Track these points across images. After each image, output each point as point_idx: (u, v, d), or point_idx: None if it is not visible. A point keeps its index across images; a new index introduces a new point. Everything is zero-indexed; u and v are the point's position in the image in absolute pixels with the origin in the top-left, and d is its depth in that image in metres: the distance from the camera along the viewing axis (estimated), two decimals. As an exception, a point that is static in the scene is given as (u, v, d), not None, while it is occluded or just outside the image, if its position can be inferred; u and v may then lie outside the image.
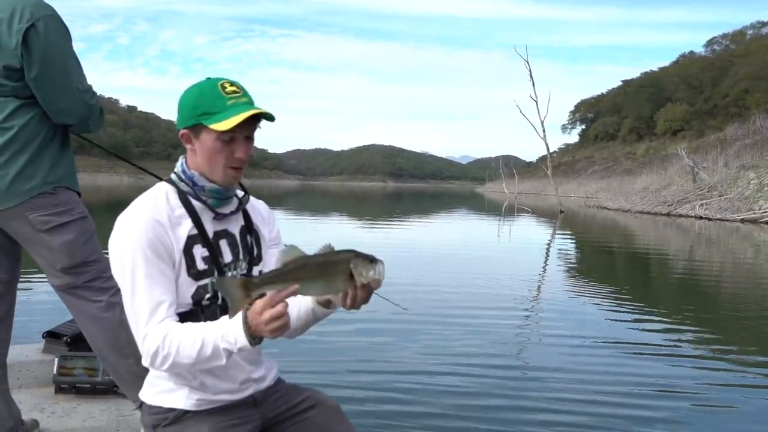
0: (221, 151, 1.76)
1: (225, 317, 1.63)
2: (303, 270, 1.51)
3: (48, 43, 2.39)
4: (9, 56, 2.37)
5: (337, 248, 1.55)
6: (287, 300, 1.54)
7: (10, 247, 2.62)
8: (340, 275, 1.52)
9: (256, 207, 2.01)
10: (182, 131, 1.79)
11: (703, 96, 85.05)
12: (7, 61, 2.37)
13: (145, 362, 1.70)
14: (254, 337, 1.58)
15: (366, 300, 1.61)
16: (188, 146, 1.81)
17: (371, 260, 1.53)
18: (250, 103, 1.77)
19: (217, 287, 1.74)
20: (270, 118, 1.77)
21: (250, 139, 1.80)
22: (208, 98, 1.74)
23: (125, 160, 3.62)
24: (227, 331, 1.60)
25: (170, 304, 1.71)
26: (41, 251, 2.54)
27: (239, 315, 1.58)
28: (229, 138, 1.75)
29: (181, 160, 1.86)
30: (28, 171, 2.45)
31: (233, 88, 1.77)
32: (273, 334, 1.55)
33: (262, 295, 1.55)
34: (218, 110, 1.72)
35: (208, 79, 1.81)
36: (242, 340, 1.58)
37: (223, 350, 1.61)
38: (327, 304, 1.79)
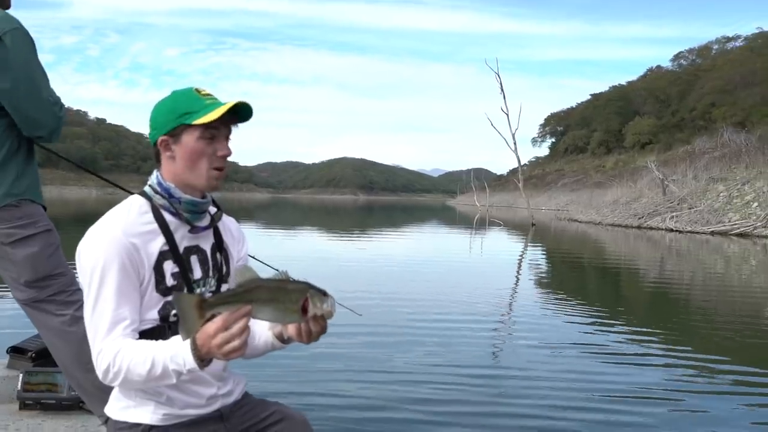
0: (204, 150, 1.76)
1: (177, 337, 1.59)
2: (256, 292, 1.51)
3: (16, 57, 2.38)
4: None
5: (292, 278, 1.56)
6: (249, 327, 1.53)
7: None
8: (293, 304, 1.52)
9: (227, 224, 2.00)
10: (160, 139, 1.78)
11: (670, 109, 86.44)
12: None
13: (99, 377, 1.69)
14: (203, 359, 1.55)
15: (319, 334, 1.65)
16: (166, 154, 1.79)
17: (323, 294, 1.55)
18: (239, 102, 1.78)
19: (174, 303, 1.69)
20: (249, 109, 1.79)
21: (228, 139, 1.81)
22: (186, 101, 1.76)
23: (93, 173, 3.60)
24: (176, 352, 1.57)
25: (130, 323, 1.69)
26: (5, 264, 2.51)
27: (178, 338, 1.56)
28: (211, 135, 1.75)
29: (155, 173, 1.83)
30: None
31: (207, 93, 1.79)
32: (226, 357, 1.52)
33: (214, 315, 1.54)
34: (198, 109, 1.73)
35: (178, 89, 1.82)
36: (191, 363, 1.55)
37: (173, 371, 1.59)
38: (284, 339, 1.81)
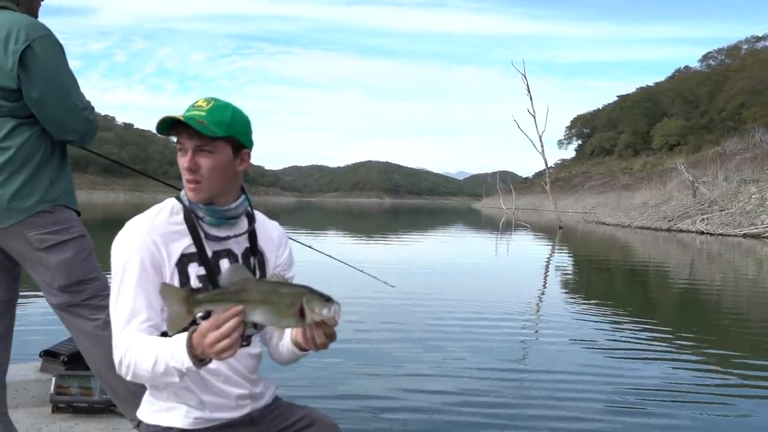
0: (179, 162, 1.78)
1: (178, 335, 1.58)
2: (248, 292, 1.48)
3: (46, 64, 2.41)
4: (5, 77, 2.38)
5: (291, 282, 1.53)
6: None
7: (9, 266, 2.62)
8: (287, 308, 1.48)
9: (267, 229, 2.00)
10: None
11: (699, 110, 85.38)
12: (3, 82, 2.39)
13: (117, 371, 1.71)
14: (200, 359, 1.54)
15: (325, 342, 1.62)
16: None
17: (326, 299, 1.49)
18: (199, 113, 1.74)
19: (160, 294, 1.66)
20: (188, 122, 1.70)
21: (205, 152, 1.75)
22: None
23: (141, 171, 3.65)
24: (175, 351, 1.57)
25: (146, 319, 1.71)
26: (39, 270, 2.54)
27: (184, 335, 1.55)
28: (180, 147, 1.76)
29: None
30: (27, 189, 2.46)
31: (201, 102, 1.77)
32: (218, 356, 1.50)
33: (209, 314, 1.52)
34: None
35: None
36: (188, 362, 1.55)
37: (174, 368, 1.58)
38: (301, 347, 1.78)
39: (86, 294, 2.57)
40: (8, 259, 2.59)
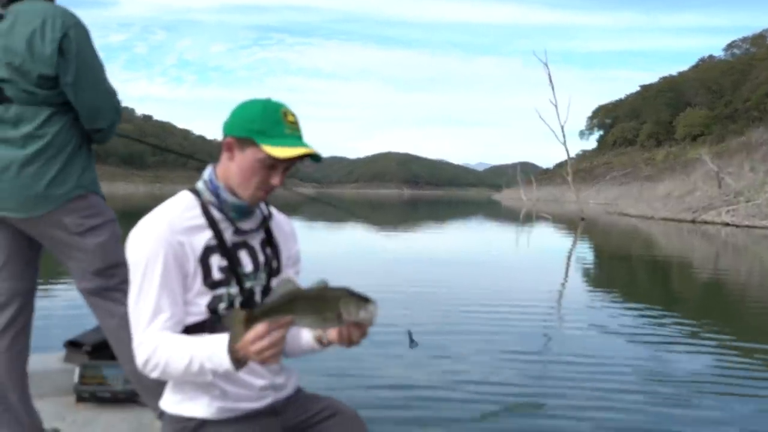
0: (258, 172, 1.76)
1: (215, 337, 1.64)
2: (296, 303, 1.55)
3: (80, 50, 2.46)
4: (43, 65, 2.41)
5: (334, 279, 1.59)
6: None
7: (32, 257, 2.66)
8: (331, 312, 1.56)
9: (280, 222, 2.01)
10: (228, 139, 1.78)
11: (723, 100, 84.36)
12: (41, 70, 2.41)
13: (139, 367, 1.72)
14: (240, 361, 1.58)
15: (359, 339, 1.67)
16: (227, 154, 1.80)
17: (364, 300, 1.56)
18: (301, 138, 1.78)
19: (224, 321, 1.69)
20: (317, 159, 1.80)
21: (288, 170, 1.81)
22: (270, 119, 1.74)
23: (171, 150, 3.64)
24: (213, 353, 1.61)
25: (170, 317, 1.72)
26: (76, 254, 2.57)
27: (222, 337, 1.60)
28: (272, 164, 1.75)
29: (209, 169, 1.86)
30: (62, 177, 2.49)
31: (293, 120, 1.77)
32: (262, 363, 1.56)
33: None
34: (275, 135, 1.72)
35: (271, 100, 1.80)
36: (227, 364, 1.59)
37: (209, 370, 1.63)
38: (323, 342, 1.84)
39: (119, 278, 2.60)
40: (31, 250, 2.63)
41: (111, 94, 2.60)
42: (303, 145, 1.75)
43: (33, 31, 2.40)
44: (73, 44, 2.44)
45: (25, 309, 2.68)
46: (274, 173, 1.77)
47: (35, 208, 2.47)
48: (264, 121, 1.73)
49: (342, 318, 1.56)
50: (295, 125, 1.77)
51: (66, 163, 2.51)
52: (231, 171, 1.80)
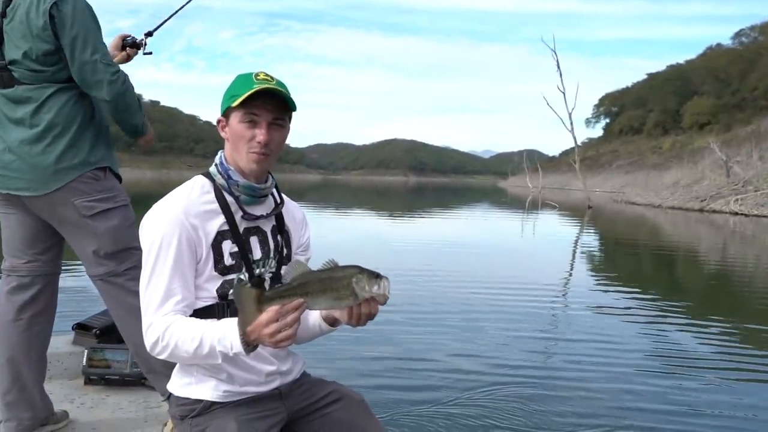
0: (244, 134, 1.78)
1: (226, 320, 1.66)
2: (309, 285, 1.55)
3: (75, 18, 2.43)
4: (41, 41, 2.41)
5: (341, 263, 1.59)
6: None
7: (54, 241, 2.67)
8: (344, 290, 1.55)
9: (291, 210, 2.02)
10: (218, 119, 1.83)
11: (730, 89, 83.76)
12: (40, 46, 2.42)
13: (147, 349, 1.74)
14: (251, 344, 1.60)
15: (371, 316, 1.65)
16: (222, 133, 1.84)
17: (376, 276, 1.56)
18: (276, 86, 1.77)
19: (234, 295, 1.71)
20: (290, 103, 1.78)
21: (277, 126, 1.80)
22: (240, 83, 1.77)
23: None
24: (224, 335, 1.62)
25: (181, 300, 1.73)
26: (85, 238, 2.57)
27: (233, 321, 1.61)
28: (250, 119, 1.76)
29: (220, 153, 1.88)
30: (70, 153, 2.49)
31: (265, 76, 1.78)
32: (276, 346, 1.57)
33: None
34: (245, 91, 1.74)
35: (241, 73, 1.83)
36: (238, 347, 1.60)
37: (219, 352, 1.64)
38: (332, 322, 1.84)
39: (130, 263, 2.59)
40: (54, 233, 2.63)
41: (108, 64, 2.52)
42: (264, 85, 1.74)
43: (29, 6, 2.41)
44: (64, 12, 2.41)
45: (46, 291, 2.68)
46: (257, 130, 1.77)
47: (46, 185, 2.47)
48: (236, 86, 1.77)
49: (356, 294, 1.55)
50: (267, 79, 1.77)
51: (74, 138, 2.50)
52: (228, 148, 1.83)
